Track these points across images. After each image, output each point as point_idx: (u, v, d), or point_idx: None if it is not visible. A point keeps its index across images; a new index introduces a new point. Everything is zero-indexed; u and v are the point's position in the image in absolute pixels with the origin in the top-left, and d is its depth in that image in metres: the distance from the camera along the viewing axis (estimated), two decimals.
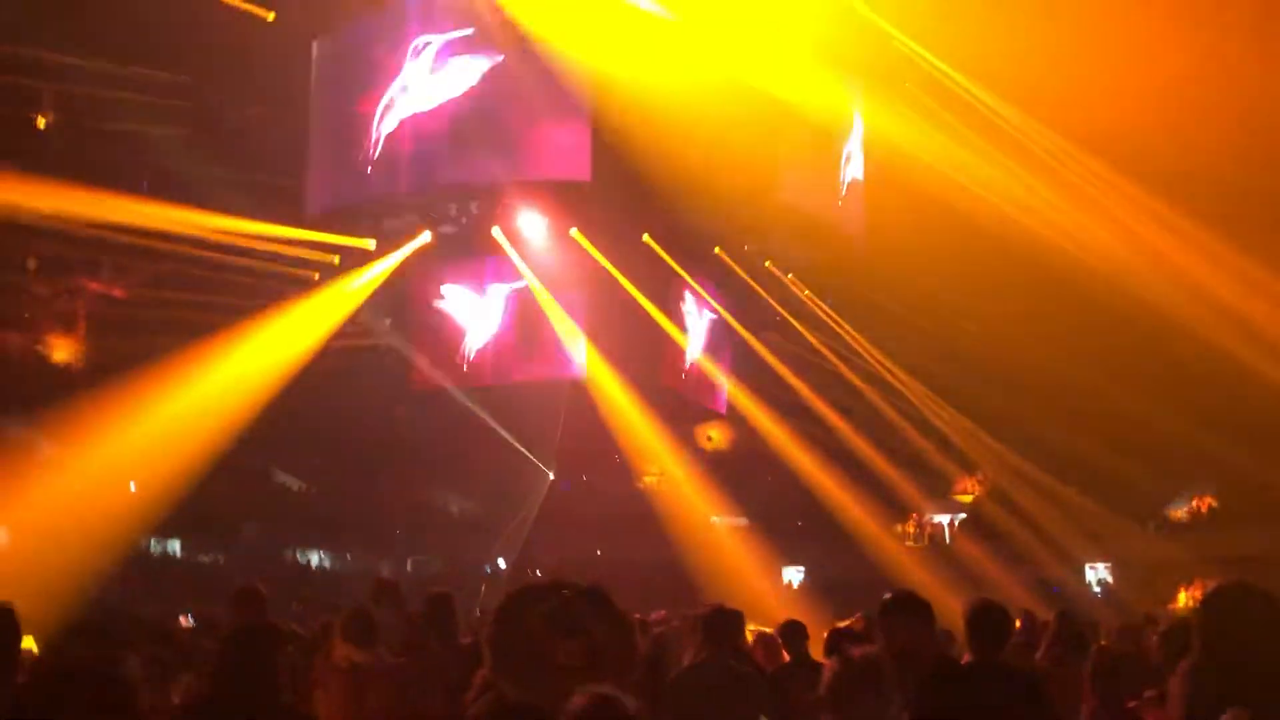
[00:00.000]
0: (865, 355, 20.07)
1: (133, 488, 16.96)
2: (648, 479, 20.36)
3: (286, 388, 16.57)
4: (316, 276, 17.89)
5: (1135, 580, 20.09)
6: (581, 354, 17.91)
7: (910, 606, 4.66)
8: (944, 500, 23.40)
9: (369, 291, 18.02)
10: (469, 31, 15.80)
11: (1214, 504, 21.81)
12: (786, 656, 6.66)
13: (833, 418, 19.92)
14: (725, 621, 5.52)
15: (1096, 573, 22.70)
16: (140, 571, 16.98)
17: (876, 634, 4.92)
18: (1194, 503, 22.23)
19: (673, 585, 15.67)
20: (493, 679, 2.86)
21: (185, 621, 8.86)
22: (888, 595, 4.78)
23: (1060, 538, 19.95)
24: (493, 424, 19.12)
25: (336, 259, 17.78)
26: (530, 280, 17.64)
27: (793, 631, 6.72)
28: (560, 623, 2.94)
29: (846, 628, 6.75)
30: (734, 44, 15.31)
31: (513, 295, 17.96)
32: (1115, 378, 17.82)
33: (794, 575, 22.66)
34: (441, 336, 18.14)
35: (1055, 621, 7.17)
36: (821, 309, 19.52)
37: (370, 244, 17.74)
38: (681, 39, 15.18)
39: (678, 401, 19.07)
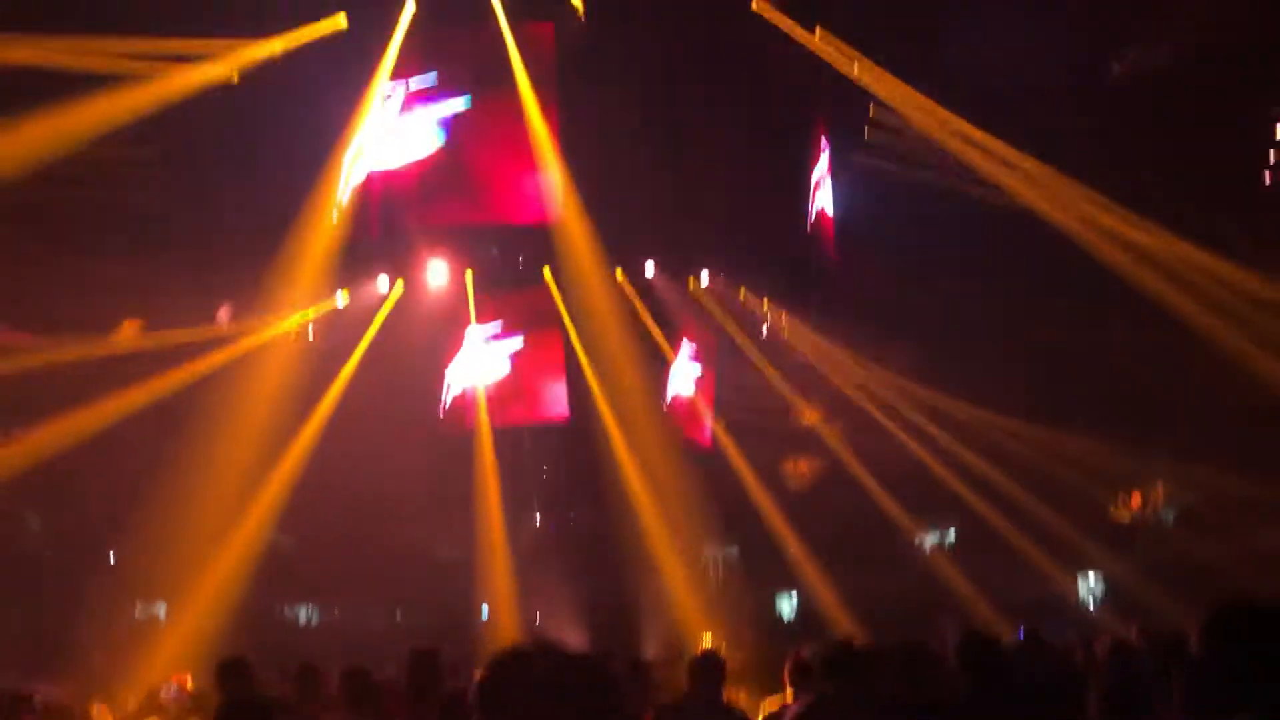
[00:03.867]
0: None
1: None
2: None
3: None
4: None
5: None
6: (564, 394, 17.89)
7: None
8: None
9: (361, 351, 17.89)
10: (432, 77, 15.80)
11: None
12: None
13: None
14: (711, 664, 6.12)
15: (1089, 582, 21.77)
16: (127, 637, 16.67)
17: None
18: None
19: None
20: None
21: (166, 693, 8.56)
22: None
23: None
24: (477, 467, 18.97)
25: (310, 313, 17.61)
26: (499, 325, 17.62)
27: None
28: (550, 690, 2.89)
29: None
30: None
31: (492, 340, 17.95)
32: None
33: (786, 604, 22.35)
34: (420, 384, 18.07)
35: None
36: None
37: (339, 301, 17.61)
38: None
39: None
